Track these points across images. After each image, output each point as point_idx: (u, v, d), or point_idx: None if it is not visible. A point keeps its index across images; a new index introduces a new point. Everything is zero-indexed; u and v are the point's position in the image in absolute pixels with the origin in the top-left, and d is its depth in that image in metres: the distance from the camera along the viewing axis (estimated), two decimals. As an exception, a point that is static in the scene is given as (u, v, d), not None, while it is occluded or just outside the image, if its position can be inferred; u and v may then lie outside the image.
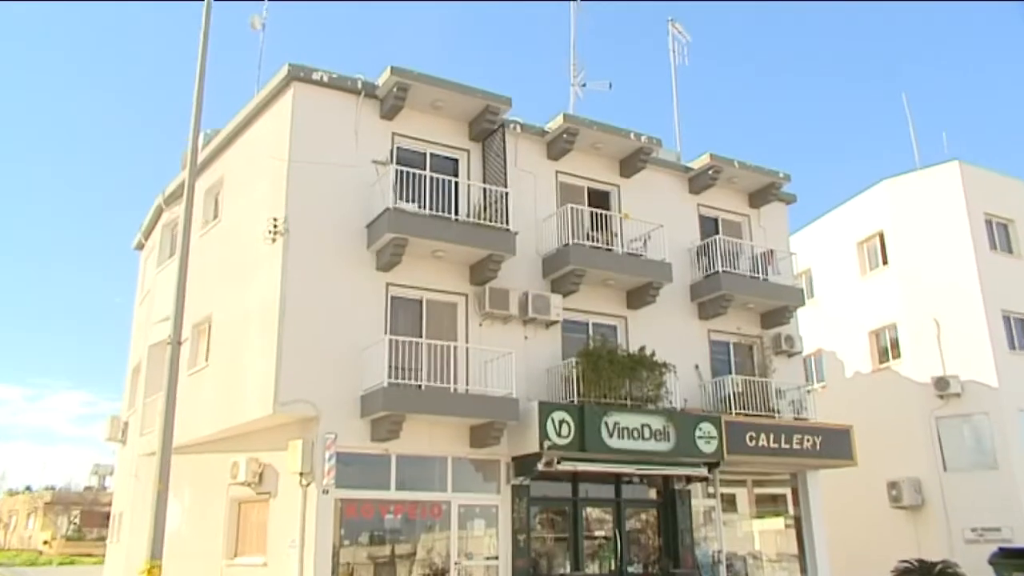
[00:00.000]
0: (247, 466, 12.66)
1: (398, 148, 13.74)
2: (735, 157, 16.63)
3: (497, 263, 13.28)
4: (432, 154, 14.06)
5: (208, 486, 13.82)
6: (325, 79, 13.17)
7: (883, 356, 21.41)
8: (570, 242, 14.08)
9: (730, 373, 15.81)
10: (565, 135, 14.85)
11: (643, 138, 15.44)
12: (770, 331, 16.68)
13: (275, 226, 12.48)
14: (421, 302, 13.32)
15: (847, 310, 22.57)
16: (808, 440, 15.06)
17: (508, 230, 13.31)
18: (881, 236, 21.91)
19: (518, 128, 14.85)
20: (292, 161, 12.71)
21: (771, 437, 14.67)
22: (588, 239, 14.63)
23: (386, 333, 12.52)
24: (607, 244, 14.73)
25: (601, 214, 14.87)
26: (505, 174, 13.88)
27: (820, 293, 23.75)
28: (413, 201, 12.95)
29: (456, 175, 14.20)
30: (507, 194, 13.47)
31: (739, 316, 16.34)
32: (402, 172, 12.93)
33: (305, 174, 12.74)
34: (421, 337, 12.95)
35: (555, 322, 14.05)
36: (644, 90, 44.17)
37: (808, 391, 16.36)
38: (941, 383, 19.26)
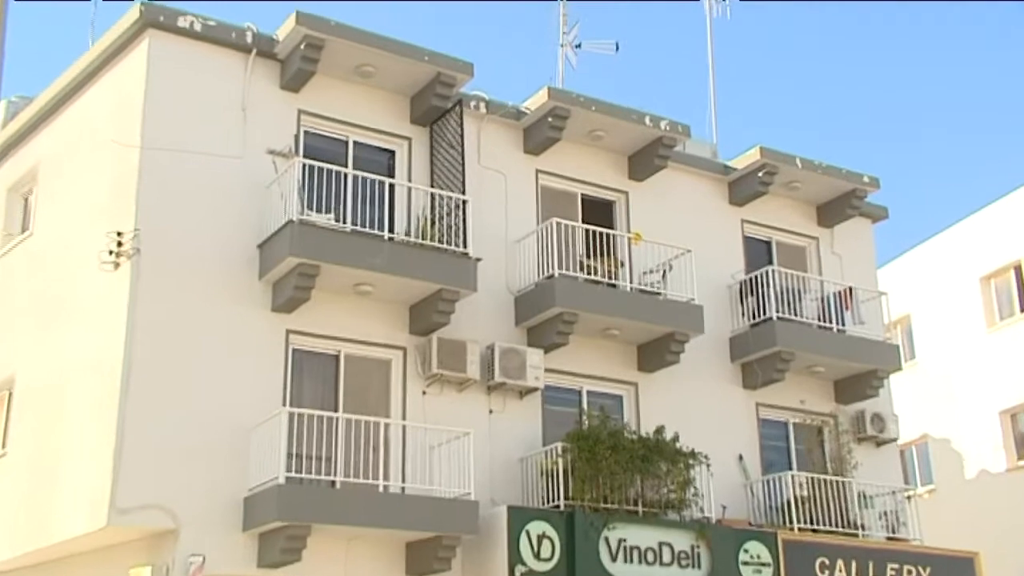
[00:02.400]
0: (65, 608, 12.62)
1: (307, 132, 14.15)
2: (796, 152, 17.41)
3: (450, 303, 13.64)
4: (357, 143, 14.53)
5: (2, 640, 13.78)
6: (197, 27, 13.54)
7: (1024, 448, 22.33)
8: (556, 273, 14.55)
9: (790, 468, 16.30)
10: (550, 118, 15.40)
11: (663, 124, 16.06)
12: (849, 407, 17.27)
13: (119, 244, 12.71)
14: (338, 358, 13.62)
15: (967, 378, 23.22)
16: (910, 572, 15.50)
17: (466, 255, 13.71)
18: (1019, 269, 22.75)
19: (483, 108, 15.36)
20: (145, 148, 13.00)
21: (853, 566, 15.05)
22: (582, 269, 15.11)
23: (284, 404, 12.79)
24: (609, 277, 15.24)
25: (601, 233, 15.41)
26: (463, 174, 14.28)
27: (925, 352, 24.40)
28: (328, 211, 13.27)
29: (391, 174, 14.59)
30: (465, 203, 13.87)
31: (803, 384, 16.91)
32: (312, 168, 13.31)
33: (165, 168, 13.04)
34: (337, 410, 13.20)
35: (533, 389, 14.45)
36: (666, 55, 45.35)
37: (908, 497, 16.85)
38: (1117, 490, 19.80)
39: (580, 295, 14.69)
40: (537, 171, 15.90)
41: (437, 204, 14.13)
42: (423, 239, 13.68)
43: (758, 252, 17.66)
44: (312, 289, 13.04)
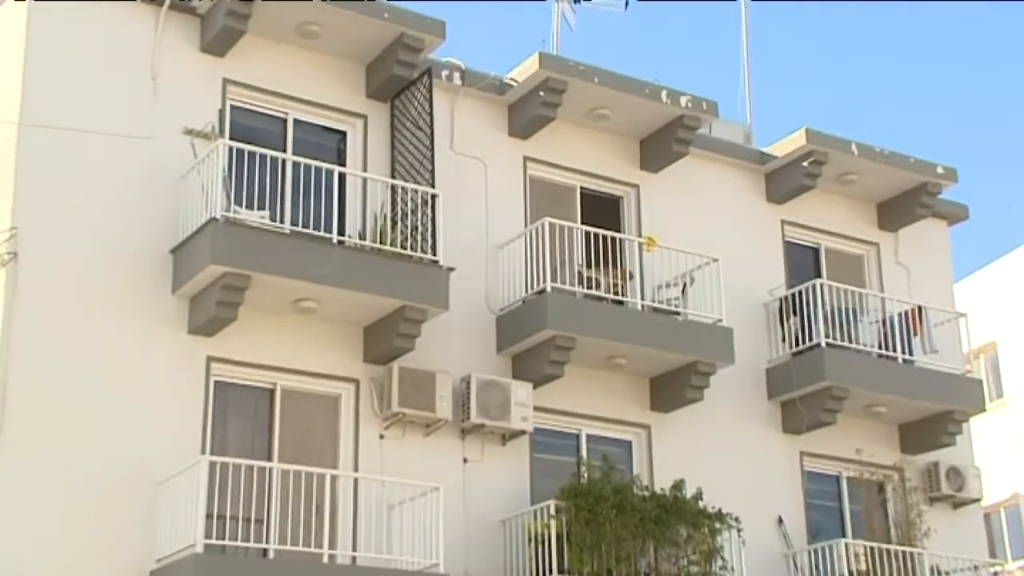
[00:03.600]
0: None
1: (234, 107, 14.17)
2: (851, 137, 17.35)
3: (415, 324, 13.62)
4: (299, 121, 14.56)
5: None
6: (92, -29, 13.61)
7: None
8: (548, 287, 14.51)
9: (843, 535, 16.26)
10: (542, 93, 15.37)
11: (684, 100, 16.01)
12: (919, 458, 17.24)
13: (-8, 248, 12.73)
14: (272, 393, 13.58)
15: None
16: (995, 667, 15.66)
17: (436, 263, 13.73)
18: None
19: (457, 79, 15.39)
20: (24, 125, 12.96)
21: (925, 660, 15.16)
22: (581, 282, 15.11)
23: (204, 451, 12.70)
24: (615, 292, 15.20)
25: (605, 237, 15.31)
26: (432, 162, 14.26)
27: (1016, 389, 24.43)
28: (261, 207, 13.26)
29: (342, 161, 14.62)
30: (435, 198, 13.88)
31: (859, 429, 16.83)
32: (241, 153, 13.24)
33: (50, 151, 13.00)
34: (271, 459, 13.14)
35: (519, 433, 14.38)
36: (689, 17, 45.18)
37: (995, 573, 16.95)
38: None
39: (579, 315, 14.62)
40: (525, 159, 15.91)
41: (400, 199, 14.08)
42: (381, 243, 13.64)
43: (803, 261, 17.64)
44: (240, 306, 12.93)
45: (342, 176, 14.11)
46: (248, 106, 14.30)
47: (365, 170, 14.57)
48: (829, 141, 17.15)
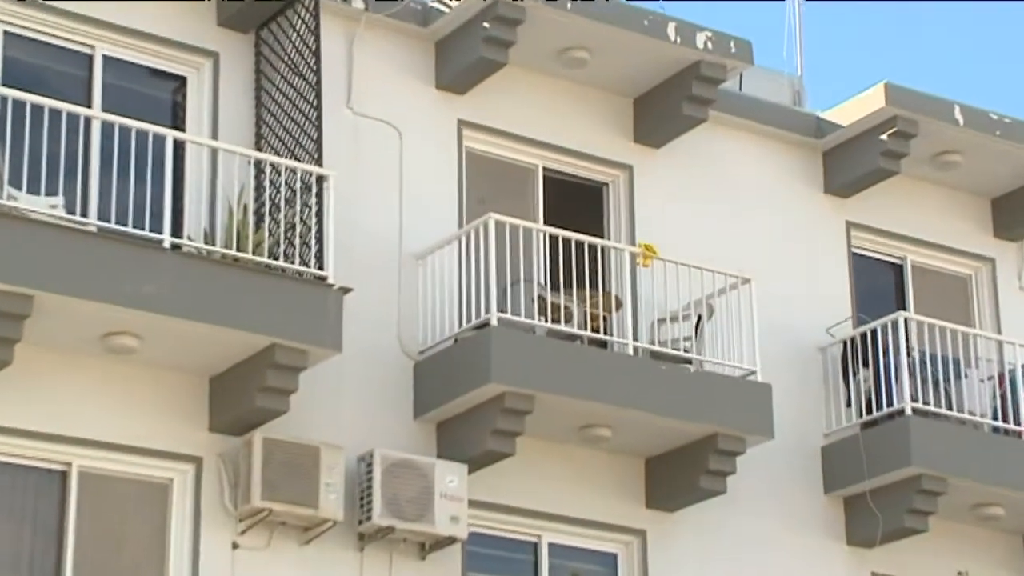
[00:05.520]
0: None
1: (9, 36, 14.23)
2: (952, 97, 17.49)
3: (289, 373, 13.61)
4: (112, 59, 14.69)
5: None
6: None
7: None
8: (493, 319, 14.49)
9: None
10: (487, 24, 15.43)
11: (704, 38, 16.22)
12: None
13: None
14: (65, 478, 13.45)
15: None
16: None
17: (324, 280, 13.79)
18: None
19: (358, 0, 15.50)
20: None
21: None
22: (543, 313, 15.21)
23: None
24: (594, 327, 15.35)
25: (581, 245, 15.30)
26: (319, 127, 14.37)
27: None
28: (51, 192, 13.28)
29: (179, 123, 14.79)
30: (322, 181, 14.00)
31: (963, 539, 17.14)
32: (21, 107, 13.08)
33: None
34: None
35: (448, 541, 14.36)
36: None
37: None
38: None
39: (539, 361, 14.65)
40: (461, 123, 16.16)
41: (269, 183, 14.15)
42: (239, 249, 13.77)
43: (878, 284, 17.96)
44: (17, 343, 12.83)
45: (179, 145, 14.03)
46: (32, 35, 14.37)
47: (215, 137, 14.58)
48: (920, 102, 17.29)
